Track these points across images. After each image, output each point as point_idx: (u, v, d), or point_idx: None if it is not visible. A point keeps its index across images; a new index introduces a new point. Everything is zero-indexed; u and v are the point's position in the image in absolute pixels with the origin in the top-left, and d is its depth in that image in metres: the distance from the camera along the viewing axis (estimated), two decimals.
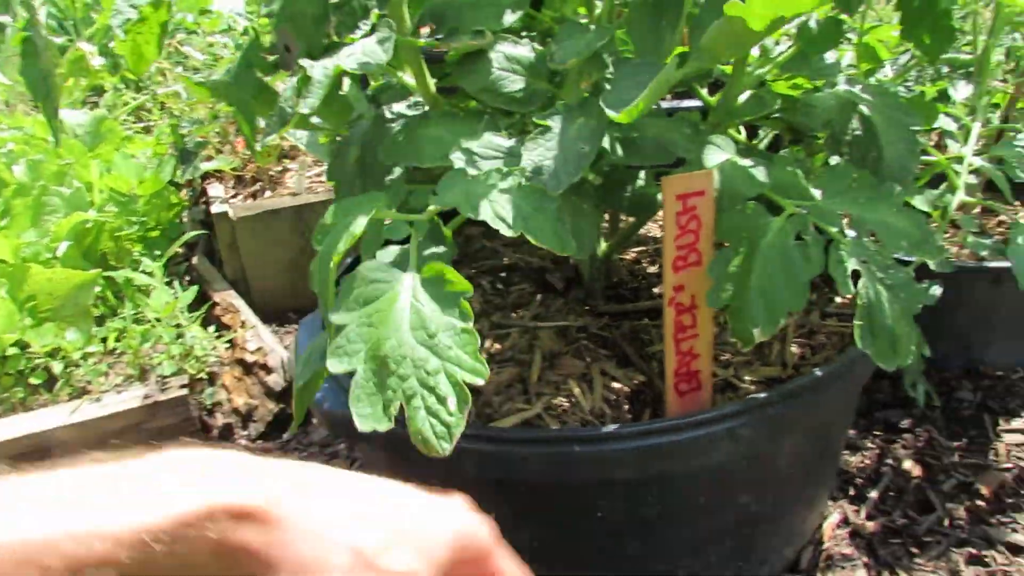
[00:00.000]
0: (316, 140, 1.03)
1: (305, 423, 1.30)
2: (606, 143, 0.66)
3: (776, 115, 0.86)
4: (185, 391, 1.22)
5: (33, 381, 1.23)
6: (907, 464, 1.11)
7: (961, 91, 1.19)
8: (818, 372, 0.73)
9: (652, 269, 1.01)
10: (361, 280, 0.52)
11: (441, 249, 0.62)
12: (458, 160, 0.64)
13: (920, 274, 0.68)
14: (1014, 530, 1.00)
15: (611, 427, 0.67)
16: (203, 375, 1.29)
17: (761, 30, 0.57)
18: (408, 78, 0.78)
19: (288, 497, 0.36)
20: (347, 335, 0.50)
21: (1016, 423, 1.18)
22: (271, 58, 0.84)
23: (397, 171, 0.78)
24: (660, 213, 0.67)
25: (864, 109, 0.81)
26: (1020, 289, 1.01)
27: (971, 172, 1.13)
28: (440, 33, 0.73)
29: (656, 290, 0.95)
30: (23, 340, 1.25)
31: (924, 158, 1.15)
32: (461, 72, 0.73)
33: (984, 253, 1.17)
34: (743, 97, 0.83)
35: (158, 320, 1.32)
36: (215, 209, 1.62)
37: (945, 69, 1.33)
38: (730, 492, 0.76)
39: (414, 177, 0.78)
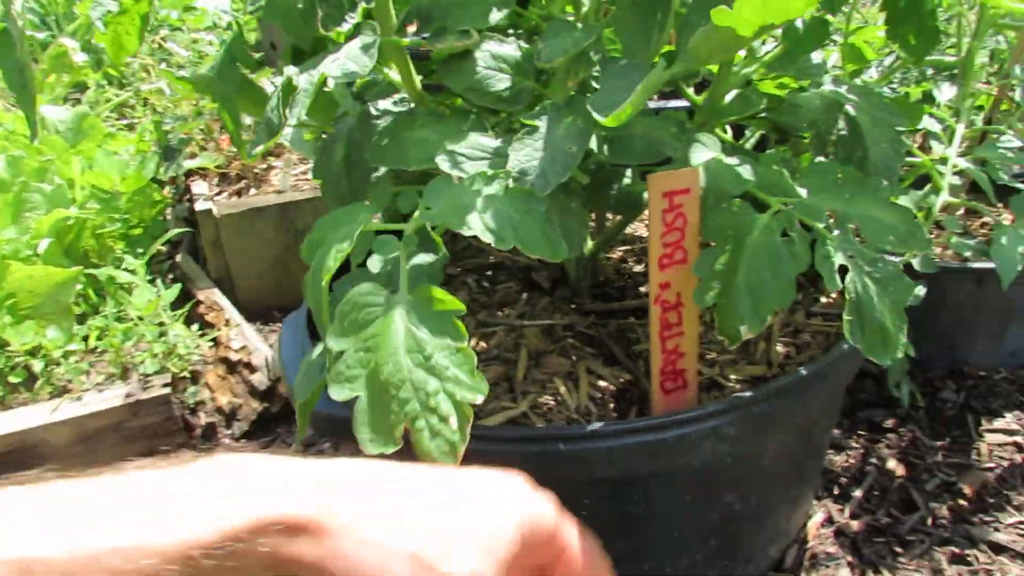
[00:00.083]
0: (301, 137, 1.02)
1: (288, 422, 1.29)
2: (593, 143, 0.65)
3: (762, 115, 0.86)
4: (168, 390, 1.21)
5: (13, 380, 1.22)
6: (891, 464, 1.12)
7: (945, 93, 1.20)
8: (803, 371, 0.73)
9: (638, 268, 1.01)
10: (354, 305, 0.52)
11: (433, 258, 0.61)
12: (444, 163, 0.64)
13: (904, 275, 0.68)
14: (996, 529, 1.00)
15: (597, 425, 0.67)
16: (186, 374, 1.28)
17: (749, 35, 0.57)
18: (394, 74, 0.77)
19: (340, 505, 0.35)
20: (346, 362, 0.50)
21: (998, 423, 1.19)
22: (256, 56, 0.83)
23: (383, 169, 0.77)
24: (646, 212, 0.67)
25: (850, 109, 0.81)
26: (1003, 290, 1.02)
27: (955, 173, 1.14)
28: (426, 30, 0.72)
29: (642, 289, 0.95)
30: (3, 338, 1.24)
31: (909, 159, 1.16)
32: (447, 71, 0.73)
33: (967, 254, 1.18)
34: (729, 96, 0.83)
35: (140, 318, 1.31)
36: (199, 206, 1.61)
37: (930, 71, 1.34)
38: (716, 491, 0.76)
39: (401, 176, 0.77)
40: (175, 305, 1.38)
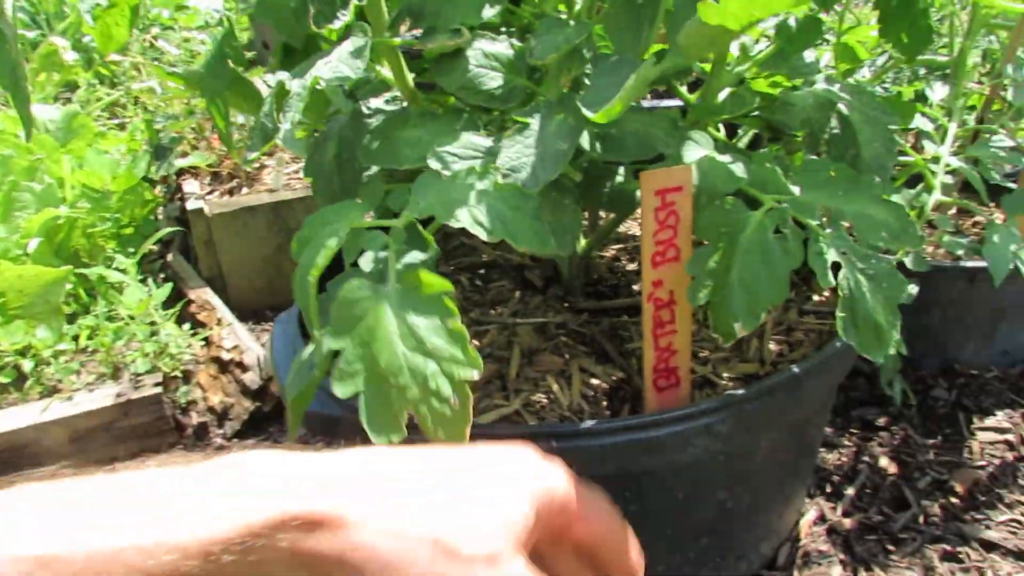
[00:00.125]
0: (293, 135, 1.01)
1: (280, 421, 1.28)
2: (586, 140, 0.65)
3: (755, 113, 0.86)
4: (159, 389, 1.20)
5: (2, 380, 1.21)
6: (883, 462, 1.12)
7: (938, 92, 1.20)
8: (796, 368, 0.73)
9: (631, 267, 1.01)
10: (345, 303, 0.52)
11: (423, 255, 0.61)
12: (435, 164, 0.64)
13: None
14: (987, 527, 1.00)
15: (589, 423, 0.66)
16: (177, 373, 1.27)
17: (737, 29, 0.57)
18: (386, 72, 0.77)
19: (358, 496, 0.36)
20: (345, 358, 0.50)
21: (990, 421, 1.19)
22: (249, 55, 0.83)
23: (375, 168, 0.77)
24: (639, 210, 0.67)
25: (842, 108, 0.81)
26: (995, 288, 1.02)
27: (947, 172, 1.14)
28: (418, 28, 0.72)
29: (635, 287, 0.95)
30: None
31: (902, 158, 1.16)
32: (439, 70, 0.72)
33: (960, 252, 1.18)
34: (723, 95, 0.83)
35: (131, 318, 1.30)
36: (191, 205, 1.60)
37: (922, 71, 1.34)
38: (708, 488, 0.76)
39: (393, 175, 0.77)
40: (166, 304, 1.37)
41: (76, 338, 1.29)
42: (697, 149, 0.70)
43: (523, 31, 0.83)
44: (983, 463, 1.11)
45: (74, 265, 1.38)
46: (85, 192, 1.58)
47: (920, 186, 1.19)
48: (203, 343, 1.35)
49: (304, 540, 0.34)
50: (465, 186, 0.59)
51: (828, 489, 1.08)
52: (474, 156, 0.65)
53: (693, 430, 0.67)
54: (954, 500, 1.05)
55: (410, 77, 0.76)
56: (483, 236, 0.56)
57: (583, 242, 0.93)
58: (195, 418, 1.26)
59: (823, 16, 0.82)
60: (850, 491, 1.07)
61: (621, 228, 1.08)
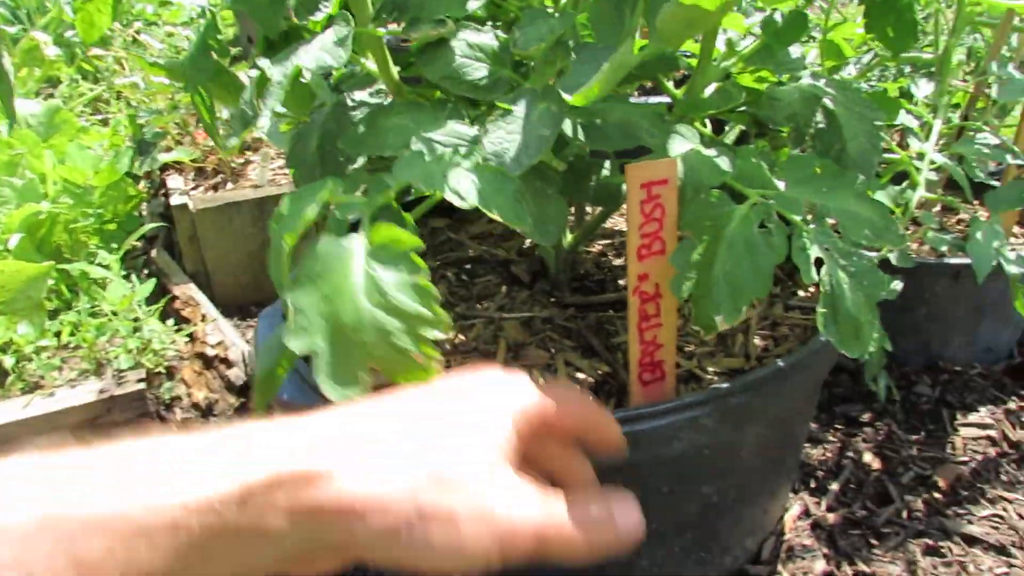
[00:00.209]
0: (277, 130, 1.01)
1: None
2: (569, 128, 0.65)
3: (741, 108, 0.86)
4: (142, 385, 1.19)
5: None
6: (867, 457, 1.12)
7: (923, 89, 1.21)
8: (780, 363, 0.73)
9: (618, 262, 1.01)
10: (313, 258, 0.51)
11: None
12: (419, 148, 0.63)
13: (882, 270, 0.69)
14: (969, 522, 1.01)
15: None
16: (161, 369, 1.26)
17: (714, 10, 0.57)
18: (371, 65, 0.76)
19: (348, 449, 0.37)
20: (305, 313, 0.49)
21: (973, 417, 1.20)
22: (234, 50, 0.82)
23: (360, 160, 0.76)
24: (625, 206, 0.67)
25: (828, 103, 0.81)
26: (979, 285, 1.03)
27: (932, 169, 1.14)
28: (401, 20, 0.72)
29: (621, 282, 0.95)
30: None
31: (887, 155, 1.17)
32: (423, 59, 0.72)
33: (944, 249, 1.19)
34: (709, 90, 0.83)
35: (114, 313, 1.29)
36: (175, 201, 1.59)
37: (907, 69, 1.35)
38: (693, 482, 0.76)
39: (377, 167, 0.77)
40: (150, 300, 1.36)
41: (58, 334, 1.27)
42: (683, 142, 0.70)
43: (509, 25, 0.83)
44: (966, 459, 1.12)
45: (56, 261, 1.36)
46: (67, 187, 1.56)
47: (905, 183, 1.19)
48: (187, 339, 1.34)
49: (301, 495, 0.35)
50: (448, 163, 0.58)
51: (812, 484, 1.08)
52: (458, 144, 0.64)
53: (678, 424, 0.67)
54: (937, 495, 1.06)
55: (395, 70, 0.76)
56: (460, 204, 0.55)
57: (569, 237, 0.92)
58: (179, 414, 1.25)
59: (809, 13, 0.82)
60: (834, 486, 1.07)
61: (608, 224, 1.08)
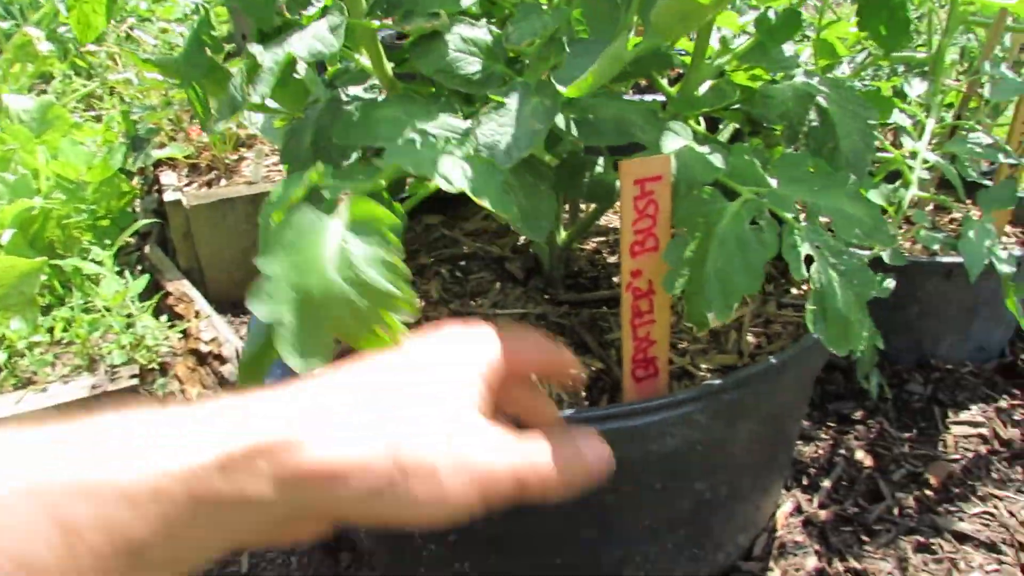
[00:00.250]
0: (272, 126, 1.00)
1: None
2: (562, 123, 0.65)
3: (735, 106, 0.86)
4: (135, 381, 1.19)
5: None
6: (859, 454, 1.13)
7: (916, 88, 1.21)
8: (773, 360, 0.73)
9: (612, 259, 1.01)
10: (289, 226, 0.51)
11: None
12: (412, 137, 0.63)
13: (874, 268, 0.69)
14: (960, 519, 1.02)
15: (568, 412, 0.66)
16: (155, 365, 1.26)
17: (708, 3, 0.57)
18: (365, 60, 0.76)
19: (325, 417, 0.38)
20: (273, 280, 0.48)
21: (964, 415, 1.21)
22: (228, 47, 0.82)
23: (354, 156, 0.76)
24: (619, 204, 0.67)
25: (821, 101, 0.81)
26: (971, 284, 1.03)
27: (925, 168, 1.15)
28: (395, 15, 0.71)
29: (615, 279, 0.95)
30: None
31: (880, 154, 1.17)
32: (416, 53, 0.72)
33: (936, 248, 1.19)
34: (703, 88, 0.83)
35: (108, 309, 1.29)
36: (168, 197, 1.59)
37: (900, 68, 1.35)
38: (686, 478, 0.76)
39: (370, 164, 0.76)
40: (144, 296, 1.36)
41: (51, 330, 1.27)
42: (676, 139, 0.70)
43: (503, 21, 0.83)
44: (957, 456, 1.12)
45: (49, 257, 1.36)
46: (60, 183, 1.56)
47: (898, 181, 1.20)
48: (181, 335, 1.34)
49: (283, 461, 0.35)
50: (439, 151, 0.58)
51: (805, 481, 1.09)
52: (450, 135, 0.64)
53: (671, 420, 0.67)
54: (928, 493, 1.06)
55: (389, 66, 0.76)
56: (445, 187, 0.55)
57: (563, 234, 0.93)
58: None
59: (802, 12, 0.83)
60: (826, 483, 1.08)
61: (602, 221, 1.08)
